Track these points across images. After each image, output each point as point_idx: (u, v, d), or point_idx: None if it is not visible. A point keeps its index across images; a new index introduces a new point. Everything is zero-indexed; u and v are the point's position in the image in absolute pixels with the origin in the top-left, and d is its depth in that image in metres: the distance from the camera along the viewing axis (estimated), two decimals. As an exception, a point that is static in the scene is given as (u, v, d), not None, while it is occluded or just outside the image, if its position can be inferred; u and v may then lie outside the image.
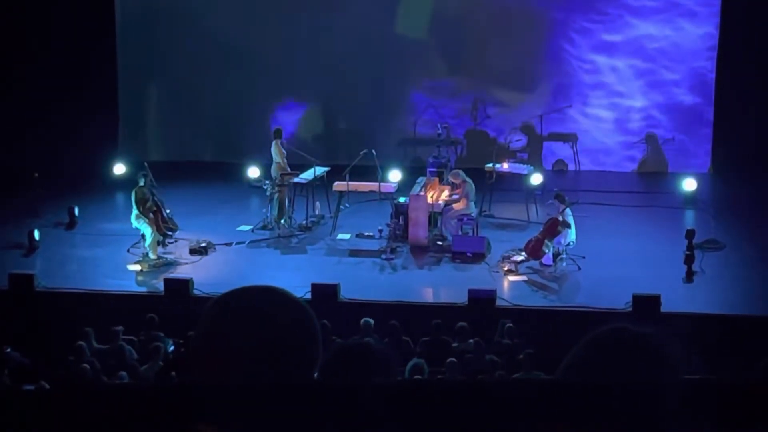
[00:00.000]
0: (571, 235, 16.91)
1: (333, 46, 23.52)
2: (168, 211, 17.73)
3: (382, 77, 23.52)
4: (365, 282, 16.47)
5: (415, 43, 23.44)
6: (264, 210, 19.10)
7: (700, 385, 2.43)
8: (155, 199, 17.54)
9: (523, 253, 17.03)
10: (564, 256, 16.93)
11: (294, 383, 2.51)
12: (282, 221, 18.82)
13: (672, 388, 2.31)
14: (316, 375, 2.65)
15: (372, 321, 14.26)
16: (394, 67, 23.52)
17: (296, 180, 19.14)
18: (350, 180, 18.81)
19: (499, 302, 15.47)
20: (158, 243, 17.40)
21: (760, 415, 2.36)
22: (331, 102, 24.01)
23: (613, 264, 16.89)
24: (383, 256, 17.47)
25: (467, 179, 18.29)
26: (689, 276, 16.43)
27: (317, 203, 19.55)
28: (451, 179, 18.67)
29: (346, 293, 15.71)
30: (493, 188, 19.96)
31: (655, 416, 2.26)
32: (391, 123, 23.71)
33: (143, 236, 17.29)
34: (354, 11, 23.32)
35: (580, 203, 18.01)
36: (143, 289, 16.49)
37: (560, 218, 16.83)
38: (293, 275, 16.53)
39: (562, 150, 23.72)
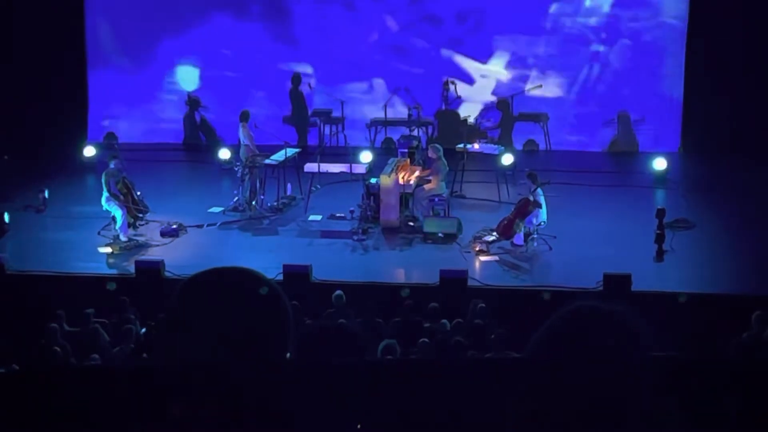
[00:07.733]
0: (543, 215, 16.94)
1: (308, 25, 23.52)
2: (138, 193, 17.67)
3: (354, 57, 23.48)
4: (337, 263, 16.45)
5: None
6: (235, 192, 19.05)
7: (668, 363, 2.45)
8: (126, 181, 17.48)
9: (495, 233, 17.06)
10: (535, 235, 16.97)
11: (266, 363, 2.52)
12: (253, 203, 18.77)
13: (640, 364, 2.34)
14: (288, 355, 2.66)
15: (343, 293, 14.30)
16: (367, 47, 23.48)
17: (267, 161, 19.06)
18: (321, 161, 18.83)
19: (470, 282, 15.49)
20: (129, 225, 17.32)
21: (727, 392, 2.39)
22: (302, 82, 23.92)
23: (584, 243, 16.95)
24: (355, 237, 17.45)
25: (442, 157, 18.27)
26: (660, 255, 16.49)
27: (288, 185, 19.51)
28: (429, 153, 18.60)
29: (317, 274, 15.70)
30: (465, 168, 20.00)
31: (623, 392, 2.29)
32: (361, 103, 23.67)
33: (114, 219, 17.21)
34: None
35: (551, 183, 18.04)
36: (114, 272, 16.42)
37: (531, 198, 16.86)
38: (265, 257, 16.51)
39: (533, 130, 23.74)
